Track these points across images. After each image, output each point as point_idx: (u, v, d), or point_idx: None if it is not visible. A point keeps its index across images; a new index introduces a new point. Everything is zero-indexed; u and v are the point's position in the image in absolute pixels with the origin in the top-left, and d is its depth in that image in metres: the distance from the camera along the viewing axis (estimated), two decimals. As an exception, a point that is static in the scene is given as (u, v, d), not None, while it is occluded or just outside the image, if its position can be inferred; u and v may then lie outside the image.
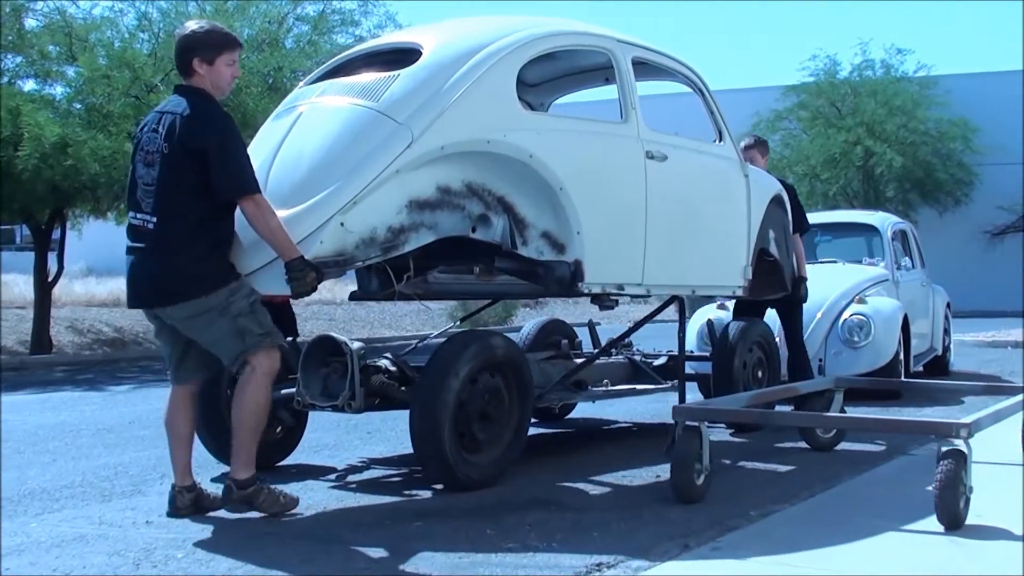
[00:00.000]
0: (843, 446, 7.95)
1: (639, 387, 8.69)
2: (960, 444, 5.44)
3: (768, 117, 36.57)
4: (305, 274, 5.58)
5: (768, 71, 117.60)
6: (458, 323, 9.95)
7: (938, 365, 14.05)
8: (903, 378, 11.17)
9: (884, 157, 35.55)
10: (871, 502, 6.14)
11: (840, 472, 6.97)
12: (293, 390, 6.63)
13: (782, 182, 9.56)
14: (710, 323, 9.90)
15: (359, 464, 7.44)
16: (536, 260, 6.79)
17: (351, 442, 8.35)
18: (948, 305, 14.79)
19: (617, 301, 7.77)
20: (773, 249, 8.95)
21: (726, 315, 10.71)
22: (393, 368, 6.99)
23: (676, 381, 9.02)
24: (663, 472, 6.33)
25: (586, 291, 7.03)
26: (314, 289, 5.71)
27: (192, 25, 5.87)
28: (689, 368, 9.40)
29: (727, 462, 7.37)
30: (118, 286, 26.66)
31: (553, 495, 6.23)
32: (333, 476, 7.03)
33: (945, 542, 5.13)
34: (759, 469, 7.19)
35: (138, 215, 5.68)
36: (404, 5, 73.45)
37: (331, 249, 5.82)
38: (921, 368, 13.18)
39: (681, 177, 7.78)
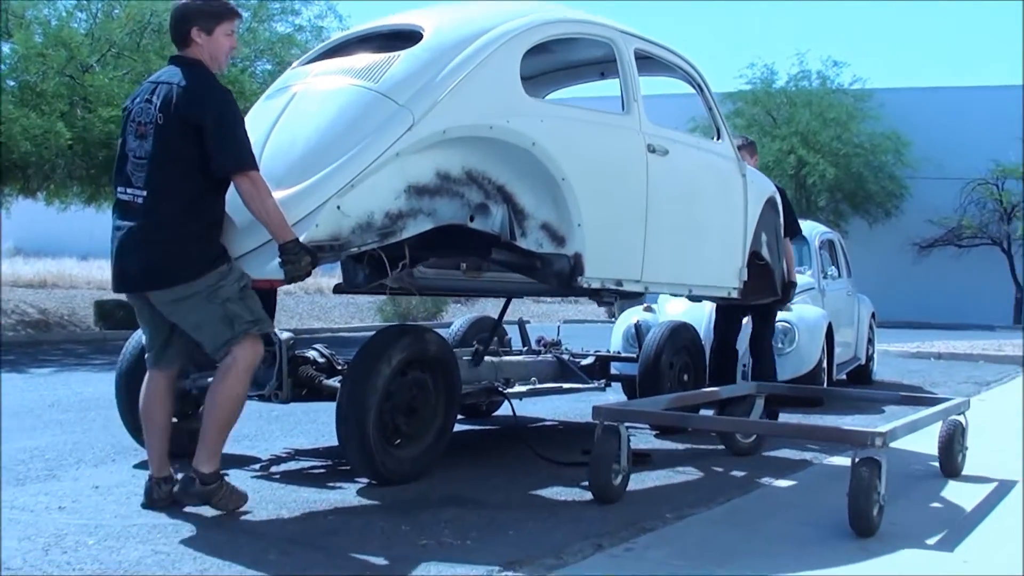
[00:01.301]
0: (763, 452, 8.00)
1: (566, 386, 8.67)
2: (875, 453, 5.49)
3: (704, 123, 36.80)
4: (300, 257, 5.36)
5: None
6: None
7: (861, 374, 14.20)
8: (825, 386, 11.27)
9: (817, 167, 36.02)
10: (787, 508, 6.20)
11: (758, 477, 7.03)
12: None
13: (774, 184, 9.51)
14: (637, 325, 9.93)
15: (283, 455, 7.39)
16: (535, 253, 6.63)
17: (272, 433, 8.30)
18: (873, 315, 14.94)
19: (616, 298, 7.72)
20: (765, 252, 8.87)
21: (653, 317, 10.75)
22: (321, 360, 6.98)
23: (603, 381, 9.09)
24: (583, 471, 6.33)
25: (585, 286, 6.90)
26: (308, 274, 5.51)
27: None
28: (614, 369, 9.43)
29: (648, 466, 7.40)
30: (45, 267, 26.46)
31: (471, 493, 6.21)
32: (256, 466, 6.98)
33: (857, 549, 5.18)
34: (678, 472, 7.20)
35: (128, 190, 5.41)
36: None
37: (327, 233, 5.62)
38: (844, 376, 13.32)
39: (682, 173, 7.72)
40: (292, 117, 6.20)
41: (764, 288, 8.97)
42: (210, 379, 6.75)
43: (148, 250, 5.35)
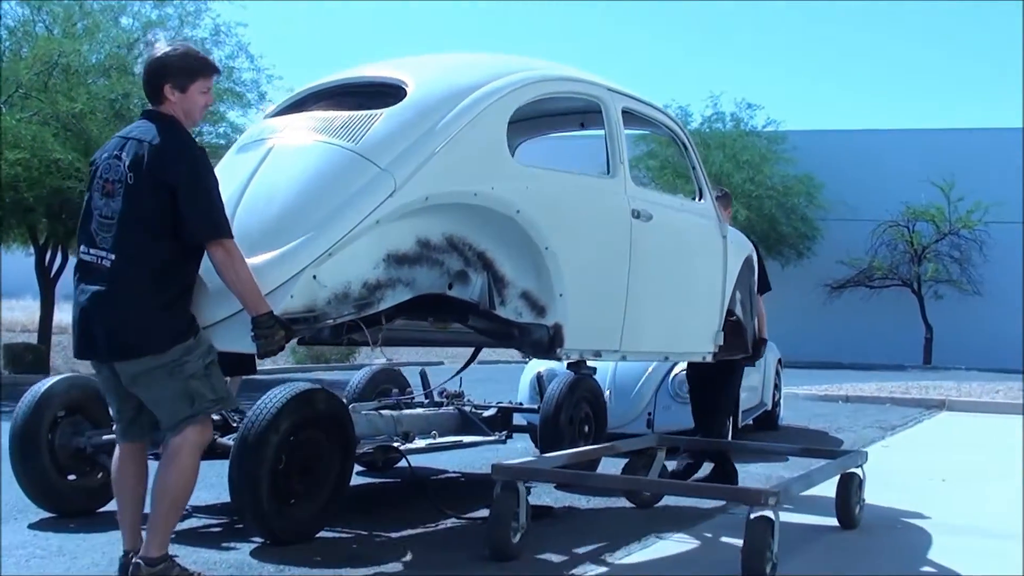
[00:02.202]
0: (666, 502, 8.04)
1: (466, 440, 8.57)
2: (768, 511, 5.55)
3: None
4: (274, 331, 5.07)
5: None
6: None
7: (767, 420, 14.25)
8: (731, 432, 11.27)
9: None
10: (684, 564, 6.26)
11: (658, 530, 7.05)
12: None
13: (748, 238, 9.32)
14: (540, 376, 9.92)
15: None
16: (513, 321, 6.38)
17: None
18: (779, 361, 15.01)
19: (595, 368, 7.48)
20: (738, 310, 8.63)
21: (559, 366, 10.73)
22: (217, 418, 6.90)
23: (505, 432, 9.05)
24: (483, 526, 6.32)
25: (564, 357, 6.71)
26: (281, 348, 5.24)
27: (164, 48, 5.29)
28: (521, 420, 9.43)
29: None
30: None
31: (369, 551, 6.19)
32: (151, 525, 6.88)
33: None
34: (579, 525, 7.23)
35: (91, 250, 5.07)
36: (257, 35, 72.95)
37: (301, 304, 5.29)
38: (751, 422, 13.38)
39: (664, 238, 7.40)
40: (268, 175, 5.83)
41: (735, 345, 8.65)
42: (106, 436, 6.73)
43: (114, 318, 5.01)
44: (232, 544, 6.31)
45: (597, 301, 6.84)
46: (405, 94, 6.11)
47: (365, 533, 6.73)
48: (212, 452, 6.70)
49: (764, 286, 9.50)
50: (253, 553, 6.10)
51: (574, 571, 5.89)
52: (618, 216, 7.00)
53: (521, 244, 6.30)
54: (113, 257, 5.00)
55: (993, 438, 14.13)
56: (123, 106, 18.97)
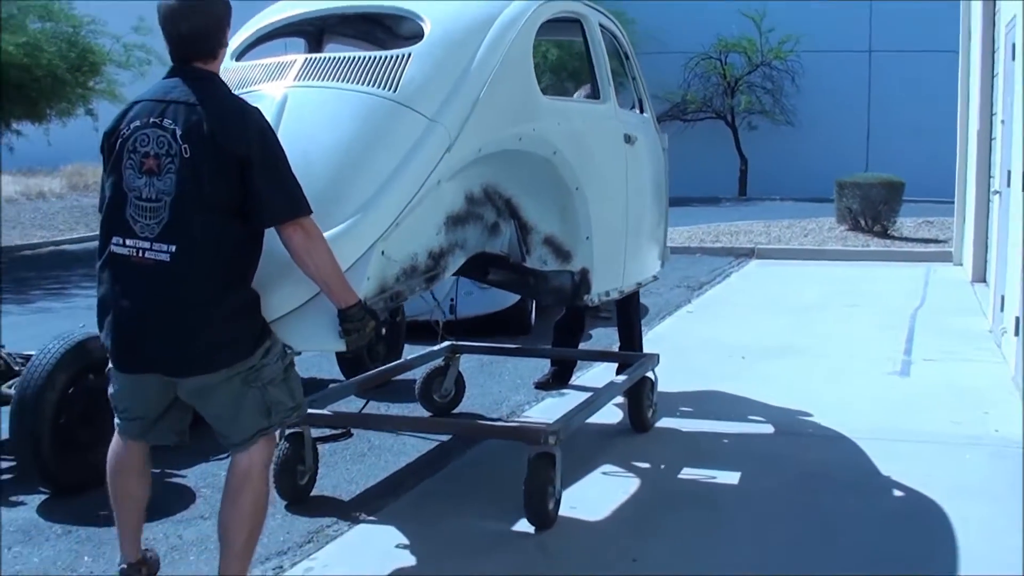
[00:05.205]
0: (463, 406, 8.11)
1: None
2: (549, 448, 5.58)
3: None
4: (365, 323, 4.35)
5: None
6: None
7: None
8: (533, 315, 11.27)
9: (539, 48, 36.05)
10: (472, 494, 6.27)
11: (452, 447, 7.11)
12: None
13: None
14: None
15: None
16: (530, 270, 5.93)
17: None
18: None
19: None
20: None
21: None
22: (-1, 362, 6.75)
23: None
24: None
25: (588, 303, 6.31)
26: (369, 341, 4.59)
27: None
28: None
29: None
30: None
31: (155, 502, 6.04)
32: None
33: (534, 547, 5.38)
34: (374, 447, 7.19)
35: (128, 241, 4.14)
36: None
37: (376, 286, 4.63)
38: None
39: (642, 161, 7.03)
40: (293, 132, 4.67)
41: None
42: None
43: (186, 326, 4.14)
44: (20, 498, 6.20)
45: (611, 239, 6.44)
46: (421, 28, 5.34)
47: (156, 471, 6.66)
48: (-5, 400, 6.59)
49: None
50: (40, 510, 6.04)
51: (365, 510, 5.94)
52: (618, 144, 6.60)
53: (548, 186, 5.83)
54: (173, 248, 4.08)
55: (797, 293, 14.37)
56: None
